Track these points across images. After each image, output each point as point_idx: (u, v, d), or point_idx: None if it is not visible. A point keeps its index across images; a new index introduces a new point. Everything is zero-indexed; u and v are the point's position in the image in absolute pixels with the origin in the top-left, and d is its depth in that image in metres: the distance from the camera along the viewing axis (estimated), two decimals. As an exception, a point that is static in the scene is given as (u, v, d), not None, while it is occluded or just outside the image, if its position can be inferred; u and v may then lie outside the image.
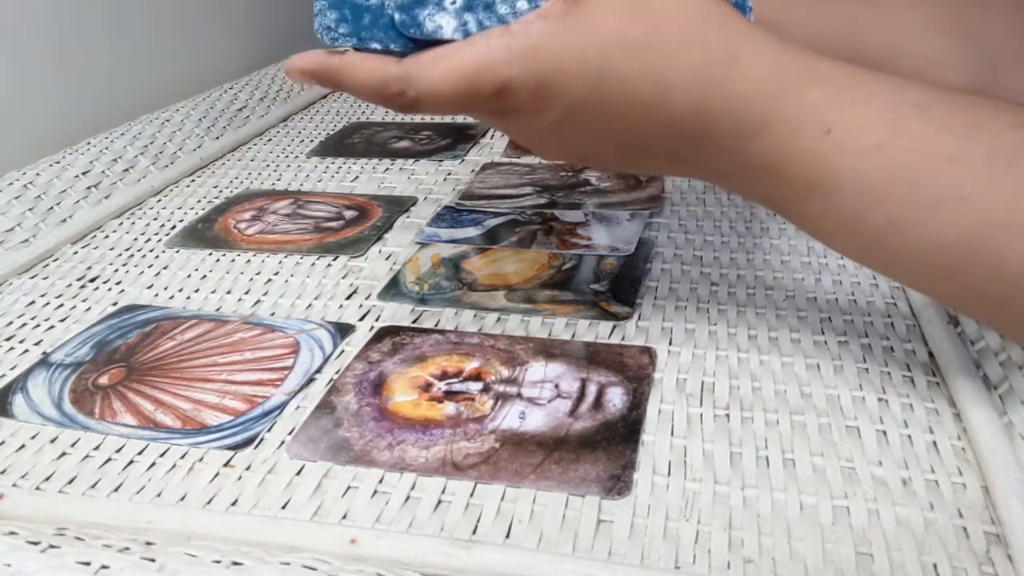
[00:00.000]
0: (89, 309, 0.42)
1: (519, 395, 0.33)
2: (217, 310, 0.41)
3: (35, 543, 0.23)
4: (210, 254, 0.48)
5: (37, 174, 0.53)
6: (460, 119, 0.73)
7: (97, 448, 0.31)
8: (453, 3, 0.28)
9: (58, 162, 0.55)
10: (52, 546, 0.23)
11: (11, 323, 0.41)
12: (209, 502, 0.28)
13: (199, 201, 0.57)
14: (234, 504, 0.28)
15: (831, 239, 0.28)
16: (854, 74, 0.26)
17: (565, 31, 0.26)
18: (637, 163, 0.31)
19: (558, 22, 0.26)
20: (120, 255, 0.48)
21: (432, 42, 0.28)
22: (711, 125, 0.27)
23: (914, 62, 0.37)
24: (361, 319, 0.39)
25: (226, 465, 0.30)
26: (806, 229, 0.28)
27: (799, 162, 0.26)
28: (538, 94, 0.27)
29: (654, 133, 0.27)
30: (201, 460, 0.30)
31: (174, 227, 0.52)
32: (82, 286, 0.45)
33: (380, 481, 0.29)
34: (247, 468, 0.30)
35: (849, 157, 0.25)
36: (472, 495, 0.28)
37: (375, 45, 0.29)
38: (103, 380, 0.35)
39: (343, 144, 0.69)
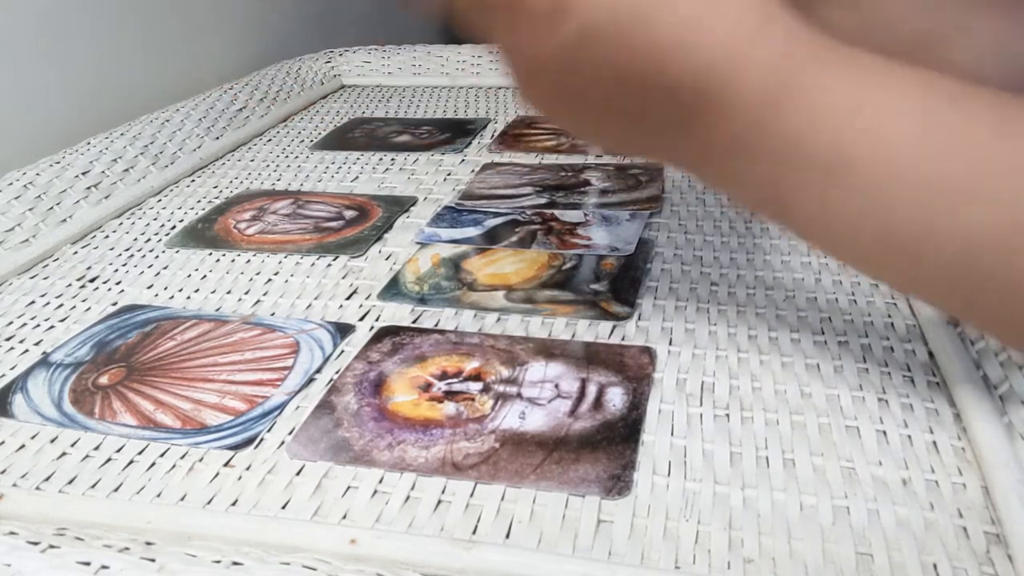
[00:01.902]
0: (89, 309, 0.42)
1: (519, 395, 0.33)
2: (217, 310, 0.41)
3: (35, 543, 0.23)
4: (210, 254, 0.48)
5: (37, 174, 0.53)
6: (460, 114, 0.73)
7: (97, 448, 0.31)
8: None
9: (58, 162, 0.55)
10: (52, 546, 0.23)
11: (11, 323, 0.41)
12: (209, 502, 0.28)
13: (199, 201, 0.57)
14: (234, 504, 0.28)
15: (843, 238, 0.26)
16: (884, 61, 0.25)
17: None
18: (633, 127, 0.28)
19: None
20: (120, 255, 0.48)
21: None
22: (733, 87, 0.24)
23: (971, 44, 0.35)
24: (361, 319, 0.39)
25: (226, 465, 0.30)
26: (813, 232, 0.27)
27: (820, 140, 0.24)
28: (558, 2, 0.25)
29: (667, 84, 0.25)
30: (201, 460, 0.30)
31: (174, 227, 0.52)
32: (82, 286, 0.45)
33: (380, 481, 0.29)
34: (247, 468, 0.30)
35: (878, 143, 0.24)
36: (472, 495, 0.28)
37: None
38: (103, 380, 0.35)
39: (345, 139, 0.69)
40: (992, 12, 0.36)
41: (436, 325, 0.38)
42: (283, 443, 0.31)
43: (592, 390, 0.33)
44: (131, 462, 0.30)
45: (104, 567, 0.22)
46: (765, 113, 0.25)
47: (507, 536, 0.26)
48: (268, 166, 0.63)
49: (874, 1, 0.36)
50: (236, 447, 0.31)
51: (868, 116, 0.24)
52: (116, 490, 0.29)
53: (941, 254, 0.24)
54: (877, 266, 0.27)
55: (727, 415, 0.31)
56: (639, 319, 0.38)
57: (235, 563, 0.23)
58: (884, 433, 0.30)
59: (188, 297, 0.43)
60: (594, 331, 0.37)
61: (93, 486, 0.29)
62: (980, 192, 0.23)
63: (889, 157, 0.24)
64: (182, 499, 0.28)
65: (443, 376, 0.34)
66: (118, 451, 0.31)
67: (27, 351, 0.38)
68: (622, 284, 0.41)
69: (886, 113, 0.24)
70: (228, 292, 0.43)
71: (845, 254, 0.27)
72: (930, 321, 0.36)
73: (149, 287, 0.44)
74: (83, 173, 0.55)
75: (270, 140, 0.70)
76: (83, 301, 0.43)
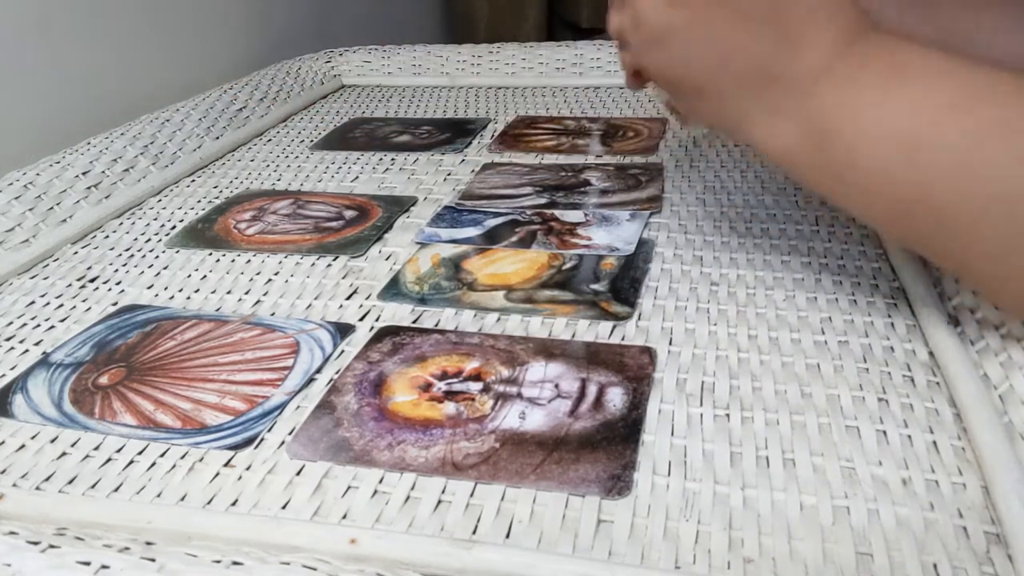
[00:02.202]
0: (89, 309, 0.42)
1: (519, 395, 0.33)
2: (217, 310, 0.41)
3: (35, 543, 0.23)
4: (210, 254, 0.48)
5: (37, 174, 0.53)
6: (460, 114, 0.73)
7: (97, 448, 0.31)
8: None
9: (58, 162, 0.55)
10: (52, 546, 0.23)
11: (11, 323, 0.41)
12: (209, 502, 0.28)
13: (199, 201, 0.57)
14: (234, 504, 0.28)
15: (881, 135, 0.29)
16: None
17: None
18: (738, 53, 0.32)
19: None
20: (120, 255, 0.48)
21: None
22: (829, 17, 0.30)
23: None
24: (361, 319, 0.39)
25: (226, 465, 0.30)
26: (859, 146, 0.30)
27: (873, 57, 0.30)
28: None
29: (782, 11, 0.31)
30: (201, 460, 0.30)
31: (174, 227, 0.52)
32: (82, 286, 0.45)
33: (380, 481, 0.29)
34: (247, 468, 0.30)
35: (919, 51, 0.29)
36: (472, 495, 0.28)
37: None
38: (103, 380, 0.35)
39: (345, 138, 0.69)
40: (993, 16, 0.37)
41: (436, 325, 0.38)
42: (283, 443, 0.31)
43: (592, 390, 0.33)
44: (131, 462, 0.30)
45: (104, 567, 0.22)
46: (850, 45, 0.30)
47: (507, 536, 0.26)
48: (268, 166, 0.63)
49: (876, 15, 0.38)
50: (236, 447, 0.31)
51: (903, 44, 0.30)
52: (116, 490, 0.29)
53: (951, 142, 0.28)
54: (896, 175, 0.30)
55: (727, 415, 0.31)
56: (639, 319, 0.38)
57: (235, 563, 0.23)
58: (884, 433, 0.30)
59: (188, 297, 0.43)
60: (594, 331, 0.37)
61: (93, 486, 0.29)
62: (986, 84, 0.28)
63: (925, 58, 0.29)
64: (182, 499, 0.28)
65: (443, 376, 0.34)
66: (118, 451, 0.31)
67: (27, 351, 0.38)
68: (622, 284, 0.41)
69: (917, 45, 0.30)
70: (228, 292, 0.43)
71: (879, 174, 0.30)
72: (930, 321, 0.36)
73: (149, 287, 0.44)
74: (83, 173, 0.55)
75: (270, 140, 0.70)
76: (83, 301, 0.43)
